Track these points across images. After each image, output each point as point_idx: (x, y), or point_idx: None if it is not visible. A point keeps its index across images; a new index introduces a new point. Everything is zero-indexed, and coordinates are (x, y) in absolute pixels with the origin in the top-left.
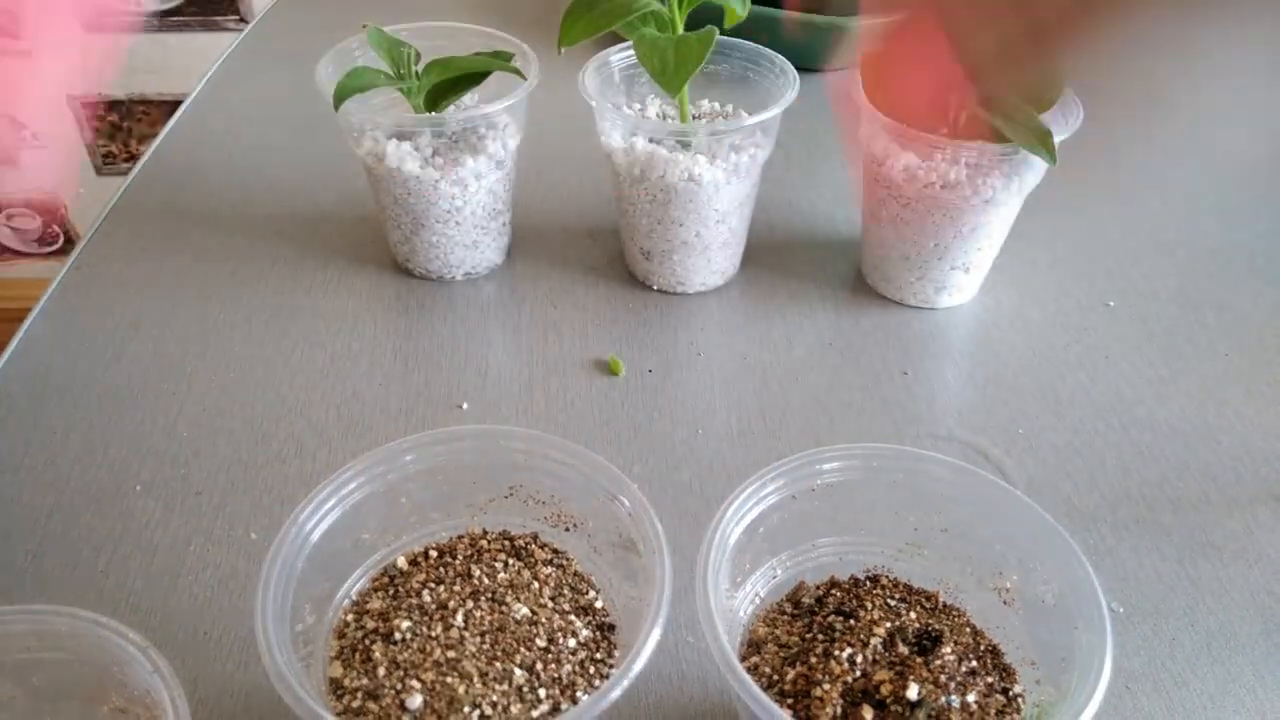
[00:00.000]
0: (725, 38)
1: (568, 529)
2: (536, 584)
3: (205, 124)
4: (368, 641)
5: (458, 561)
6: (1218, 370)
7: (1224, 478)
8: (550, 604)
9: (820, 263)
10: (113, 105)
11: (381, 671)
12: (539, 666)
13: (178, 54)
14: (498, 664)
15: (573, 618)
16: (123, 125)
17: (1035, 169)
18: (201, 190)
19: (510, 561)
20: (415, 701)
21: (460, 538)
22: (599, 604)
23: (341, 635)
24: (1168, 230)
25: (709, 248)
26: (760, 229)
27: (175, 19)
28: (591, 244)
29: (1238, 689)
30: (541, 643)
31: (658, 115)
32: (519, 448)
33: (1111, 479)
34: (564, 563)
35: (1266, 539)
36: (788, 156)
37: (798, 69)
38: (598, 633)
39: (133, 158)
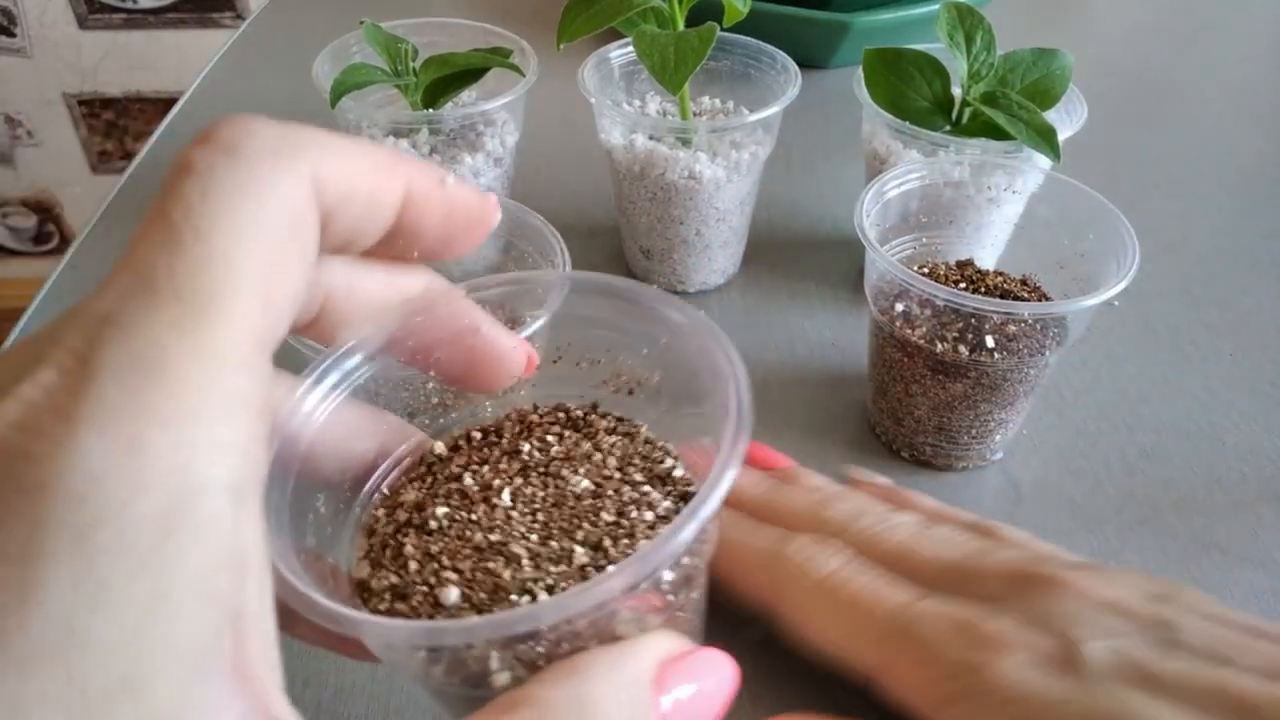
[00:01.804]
0: (726, 33)
1: (630, 391)
2: (599, 454)
3: (201, 121)
4: (399, 536)
5: (504, 441)
6: (1223, 370)
7: (1229, 479)
8: (618, 475)
9: (822, 262)
10: (108, 103)
11: (413, 566)
12: (606, 543)
13: (173, 51)
14: (553, 543)
15: (647, 488)
16: (118, 123)
17: (1039, 167)
18: None
19: (566, 434)
20: (451, 595)
21: (506, 416)
22: (678, 472)
23: (371, 533)
24: (1172, 230)
25: (709, 246)
26: (761, 228)
27: (171, 15)
28: (590, 242)
29: None
30: (609, 517)
31: (658, 112)
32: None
33: (1116, 480)
34: (631, 430)
35: (1271, 540)
36: (789, 154)
37: (800, 65)
38: (681, 503)
39: (128, 156)
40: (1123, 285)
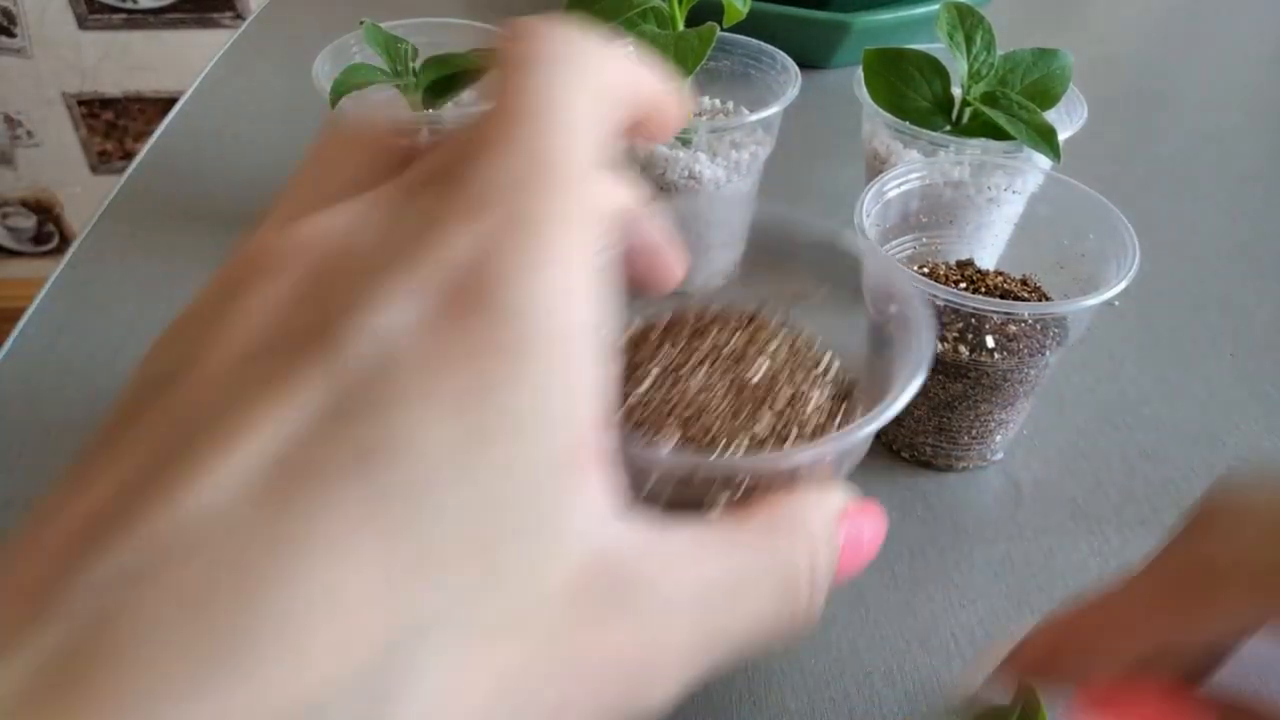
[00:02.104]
0: (726, 34)
1: (796, 301)
2: (769, 349)
3: (201, 121)
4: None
5: (685, 333)
6: (1223, 371)
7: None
8: (785, 368)
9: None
10: (108, 103)
11: (625, 430)
12: (779, 425)
13: (173, 51)
14: (739, 418)
15: (809, 382)
16: (118, 123)
17: (1039, 167)
18: (197, 188)
19: (739, 332)
20: (666, 449)
21: (684, 313)
22: (834, 368)
23: None
24: (1172, 230)
25: (709, 247)
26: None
27: (171, 15)
28: None
29: None
30: (780, 404)
31: None
32: (746, 214)
33: (1117, 480)
34: (795, 331)
35: None
36: (789, 154)
37: (800, 66)
38: (837, 400)
39: (128, 156)
40: (1123, 285)
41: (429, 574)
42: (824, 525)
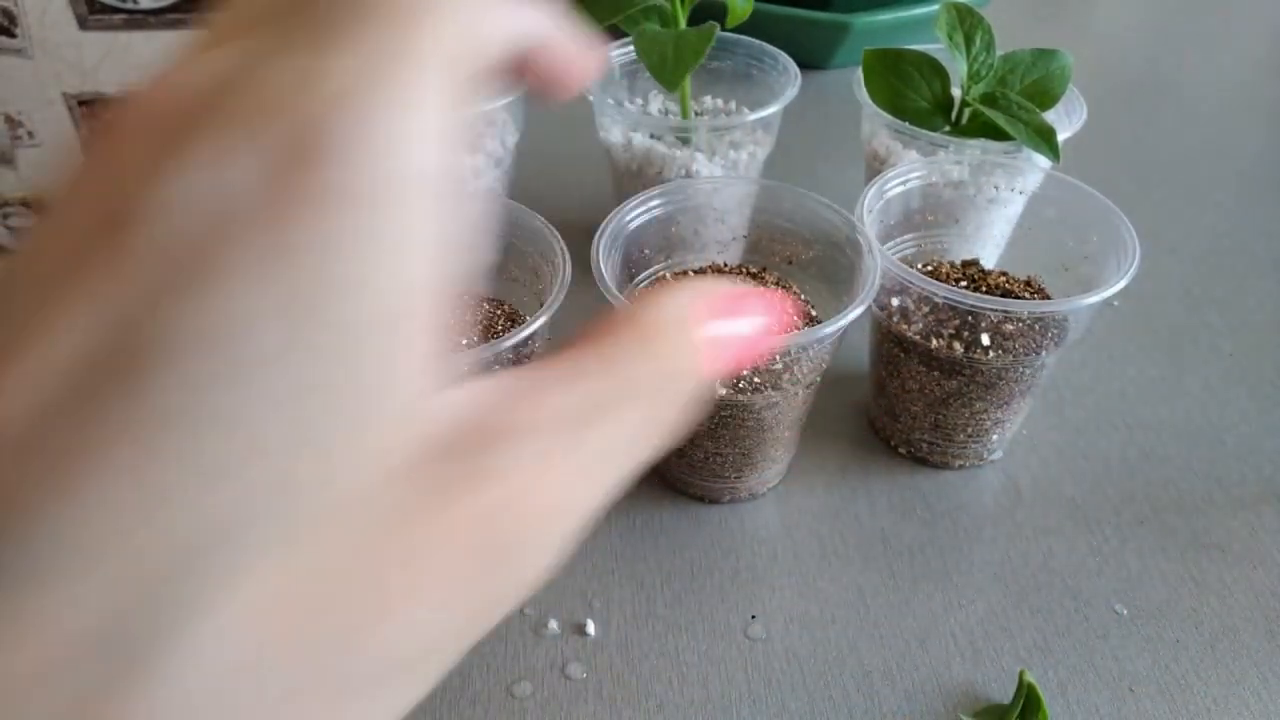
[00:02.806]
0: (728, 34)
1: (790, 262)
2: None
3: None
4: None
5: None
6: (1221, 370)
7: (1228, 478)
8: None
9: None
10: (109, 103)
11: None
12: None
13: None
14: None
15: (795, 318)
16: None
17: (1039, 167)
18: None
19: (748, 281)
20: None
21: (708, 266)
22: (814, 312)
23: None
24: (1172, 230)
25: (707, 246)
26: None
27: (172, 16)
28: (589, 242)
29: (1242, 690)
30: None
31: (660, 111)
32: (755, 191)
33: (1115, 480)
34: (788, 284)
35: (1271, 540)
36: (789, 154)
37: (800, 66)
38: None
39: None
40: (1122, 284)
41: (210, 484)
42: (683, 319)
